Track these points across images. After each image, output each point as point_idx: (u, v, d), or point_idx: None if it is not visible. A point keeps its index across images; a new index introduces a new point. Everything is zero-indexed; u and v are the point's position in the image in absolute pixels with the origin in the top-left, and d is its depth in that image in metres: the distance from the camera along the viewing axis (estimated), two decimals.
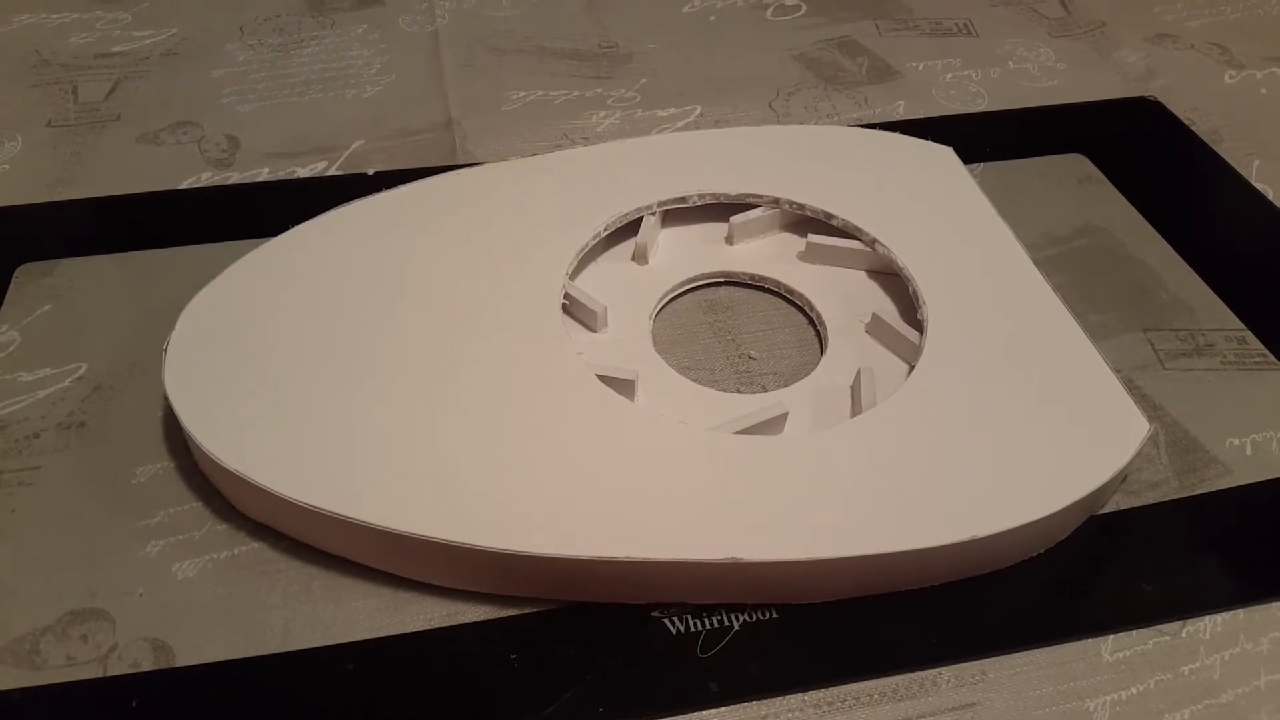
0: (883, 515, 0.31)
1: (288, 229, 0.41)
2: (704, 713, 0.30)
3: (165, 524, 0.34)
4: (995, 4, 0.64)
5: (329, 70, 0.57)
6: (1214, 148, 0.52)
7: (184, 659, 0.30)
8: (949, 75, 0.57)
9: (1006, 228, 0.42)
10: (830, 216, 0.42)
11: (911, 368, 0.37)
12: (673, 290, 0.42)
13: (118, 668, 0.30)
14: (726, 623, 0.32)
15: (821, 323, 0.41)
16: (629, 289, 0.41)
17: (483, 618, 0.32)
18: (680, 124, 0.53)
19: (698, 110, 0.54)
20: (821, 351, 0.40)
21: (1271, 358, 0.40)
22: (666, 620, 0.32)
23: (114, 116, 0.53)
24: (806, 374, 0.39)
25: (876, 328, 0.40)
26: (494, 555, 0.30)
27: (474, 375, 0.35)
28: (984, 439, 0.34)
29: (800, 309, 0.42)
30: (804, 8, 0.63)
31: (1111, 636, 0.32)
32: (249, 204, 0.47)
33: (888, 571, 0.32)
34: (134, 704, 0.29)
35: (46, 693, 0.29)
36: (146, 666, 0.30)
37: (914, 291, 0.39)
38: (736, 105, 0.55)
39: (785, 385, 0.38)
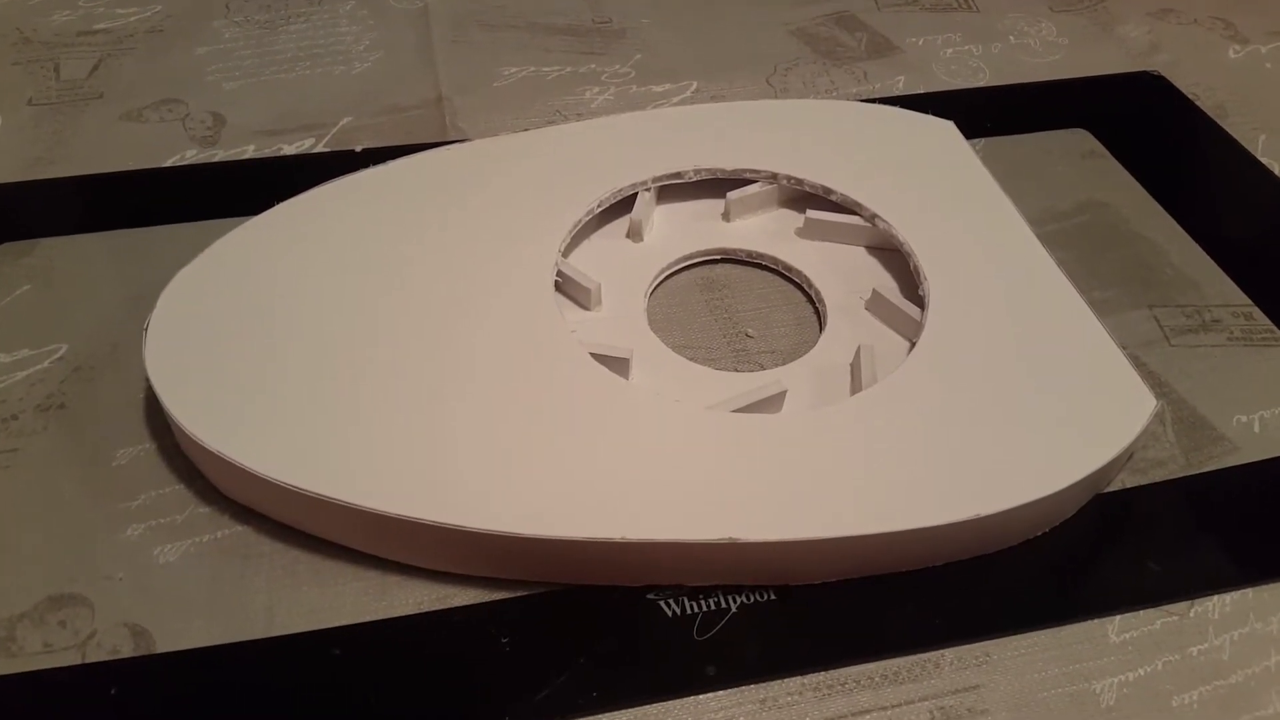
0: (884, 494, 0.31)
1: (273, 207, 0.40)
2: (701, 696, 0.29)
3: (146, 507, 0.33)
4: None
5: (317, 47, 0.56)
6: (1219, 122, 0.51)
7: (165, 645, 0.29)
8: (949, 50, 0.56)
9: (1009, 202, 0.41)
10: (829, 191, 0.41)
11: (913, 345, 0.36)
12: (668, 267, 0.41)
13: (97, 654, 0.29)
14: (724, 605, 0.31)
15: (820, 300, 0.40)
16: (623, 266, 0.41)
17: (473, 601, 0.31)
18: (676, 100, 0.52)
19: (693, 86, 0.53)
20: (820, 329, 0.39)
21: (1278, 333, 0.39)
22: (662, 602, 0.31)
23: (97, 94, 0.52)
24: (805, 352, 0.38)
25: (877, 305, 0.39)
26: (484, 537, 0.29)
27: (464, 354, 0.34)
28: (987, 416, 0.33)
29: (799, 286, 0.41)
30: None
31: (1118, 617, 0.31)
32: (234, 182, 0.46)
33: (889, 552, 0.31)
34: (113, 691, 0.28)
35: (23, 680, 0.29)
36: (126, 653, 0.29)
37: (915, 267, 0.38)
38: (733, 81, 0.54)
39: (783, 364, 0.38)
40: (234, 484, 0.32)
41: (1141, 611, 0.31)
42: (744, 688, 0.29)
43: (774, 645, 0.30)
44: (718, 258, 0.42)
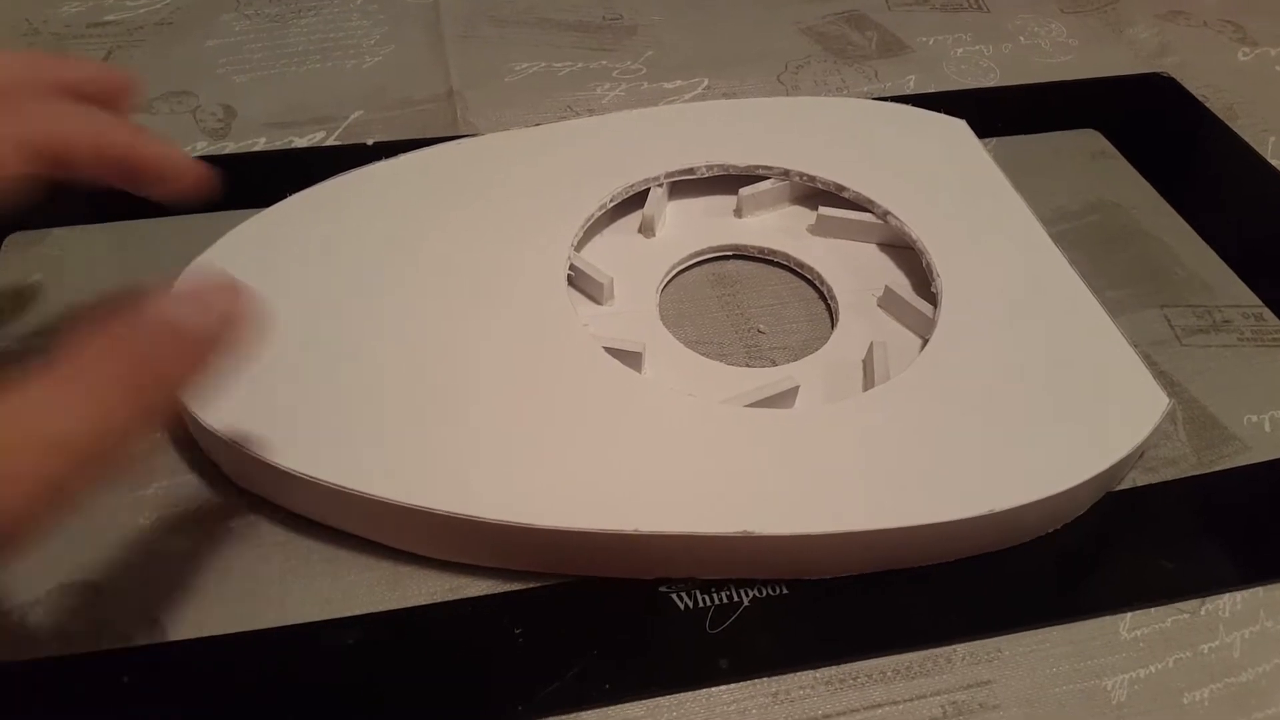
0: (896, 489, 0.31)
1: (284, 199, 0.40)
2: (713, 689, 0.29)
3: (159, 496, 0.33)
4: None
5: (327, 40, 0.56)
6: (1229, 124, 0.51)
7: (177, 633, 0.29)
8: (960, 50, 0.56)
9: (1021, 201, 0.41)
10: (842, 189, 0.41)
11: (925, 342, 0.36)
12: (680, 263, 0.41)
13: (109, 642, 0.29)
14: (736, 598, 0.31)
15: (832, 296, 0.40)
16: (636, 261, 0.41)
17: (486, 592, 0.31)
18: (687, 97, 0.52)
19: (705, 83, 0.53)
20: (832, 325, 0.39)
21: None
22: (675, 595, 0.31)
23: None
24: (817, 348, 0.38)
25: (889, 301, 0.39)
26: (498, 528, 0.29)
27: (478, 346, 0.34)
28: (999, 413, 0.33)
29: (810, 283, 0.41)
30: None
31: (1129, 614, 0.31)
32: (245, 174, 0.46)
33: (901, 546, 0.31)
34: (125, 679, 0.28)
35: (36, 667, 0.29)
36: (139, 640, 0.29)
37: (927, 264, 0.38)
38: (744, 79, 0.54)
39: (795, 359, 0.38)
40: (247, 474, 0.32)
41: (1153, 609, 0.31)
42: (756, 681, 0.29)
43: (786, 639, 0.30)
44: (730, 254, 0.42)
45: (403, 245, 0.38)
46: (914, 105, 0.47)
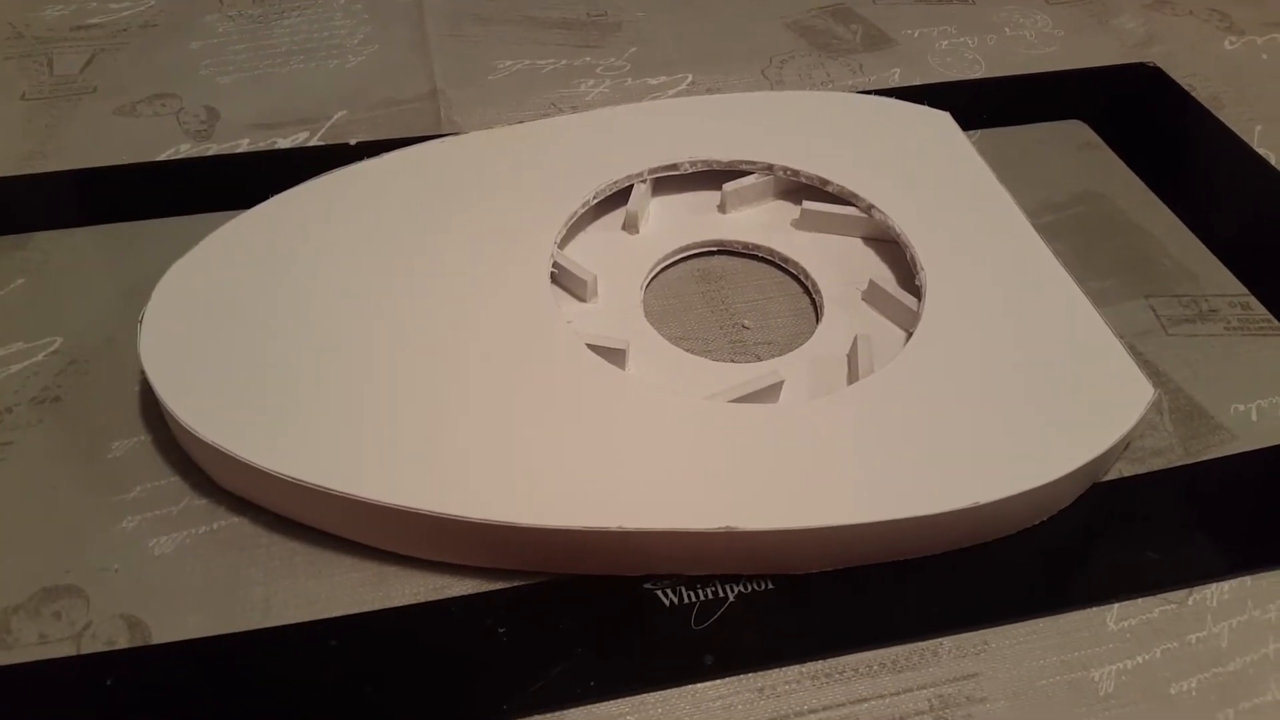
0: (882, 483, 0.31)
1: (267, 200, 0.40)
2: (699, 685, 0.29)
3: (142, 499, 0.33)
4: None
5: (311, 41, 0.55)
6: (1215, 113, 0.51)
7: (161, 636, 0.29)
8: (945, 42, 0.56)
9: (1006, 193, 0.41)
10: (825, 183, 0.41)
11: (909, 335, 0.36)
12: (664, 259, 0.41)
13: (92, 646, 0.29)
14: (721, 594, 0.31)
15: (817, 291, 0.40)
16: (619, 258, 0.40)
17: (470, 591, 0.31)
18: (671, 92, 0.52)
19: (689, 79, 0.53)
20: (817, 320, 0.39)
21: (1275, 322, 0.40)
22: (660, 592, 0.31)
23: (90, 89, 0.52)
24: (802, 343, 0.38)
25: (873, 295, 0.39)
26: (482, 527, 0.29)
27: (461, 345, 0.34)
28: (984, 405, 0.33)
29: (795, 277, 0.41)
30: None
31: (1116, 605, 0.31)
32: (228, 175, 0.46)
33: (887, 540, 0.31)
34: (109, 683, 0.28)
35: (18, 671, 0.28)
36: (122, 644, 0.29)
37: (911, 257, 0.38)
38: (729, 73, 0.53)
39: (780, 354, 0.37)
40: (230, 475, 0.32)
41: (1140, 599, 0.31)
42: (742, 676, 0.29)
43: (772, 634, 0.30)
44: (714, 249, 0.42)
45: (386, 245, 0.38)
46: (898, 98, 0.47)
